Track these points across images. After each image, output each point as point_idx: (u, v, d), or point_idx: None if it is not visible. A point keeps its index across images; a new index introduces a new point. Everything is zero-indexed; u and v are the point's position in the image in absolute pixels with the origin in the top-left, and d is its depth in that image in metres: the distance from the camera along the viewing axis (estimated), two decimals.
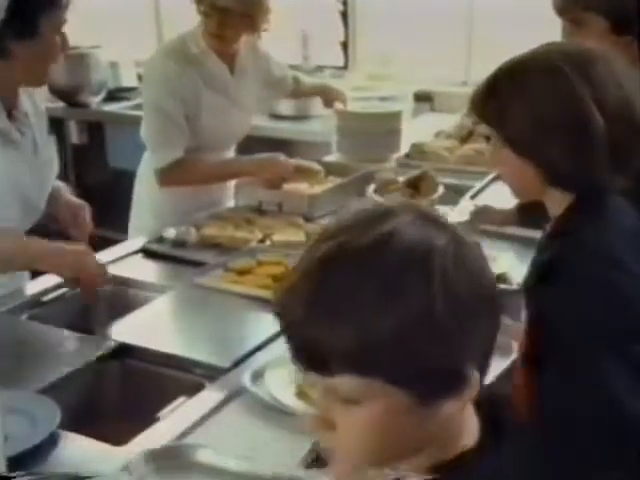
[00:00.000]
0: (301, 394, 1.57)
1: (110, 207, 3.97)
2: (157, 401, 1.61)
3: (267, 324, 1.85)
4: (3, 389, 1.46)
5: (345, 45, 4.51)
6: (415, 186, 2.66)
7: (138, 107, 4.69)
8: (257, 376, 1.63)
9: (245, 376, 1.62)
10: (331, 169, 3.01)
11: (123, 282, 2.20)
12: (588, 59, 1.33)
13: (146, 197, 2.85)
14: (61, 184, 2.27)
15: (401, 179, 2.76)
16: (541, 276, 1.35)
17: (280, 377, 1.61)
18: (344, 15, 4.44)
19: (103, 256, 2.32)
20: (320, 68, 4.47)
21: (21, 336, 1.88)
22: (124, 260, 2.31)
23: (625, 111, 1.31)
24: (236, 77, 2.74)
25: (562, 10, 1.91)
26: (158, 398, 1.63)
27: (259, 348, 1.77)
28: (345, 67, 4.52)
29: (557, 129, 1.30)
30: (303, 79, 3.26)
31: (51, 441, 1.44)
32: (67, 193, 2.25)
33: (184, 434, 1.49)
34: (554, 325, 1.29)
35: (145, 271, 2.24)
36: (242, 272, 2.15)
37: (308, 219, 2.60)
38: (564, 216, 1.38)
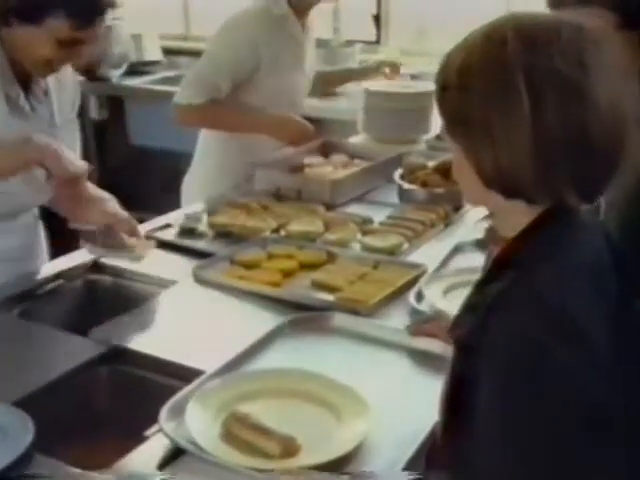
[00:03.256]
0: (227, 434, 1.32)
1: (131, 186, 3.83)
2: (150, 413, 1.44)
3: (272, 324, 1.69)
4: None
5: (377, 18, 4.30)
6: (446, 171, 2.45)
7: (162, 81, 4.54)
8: (175, 412, 1.37)
9: (162, 413, 1.35)
10: (356, 152, 2.82)
11: (122, 274, 2.04)
12: (550, 27, 1.02)
13: (200, 165, 2.89)
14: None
15: (431, 164, 2.56)
16: (475, 323, 1.06)
17: (202, 414, 1.36)
18: None
19: None
20: (351, 42, 4.26)
21: (6, 335, 1.72)
22: None
23: (577, 100, 0.99)
24: (305, 36, 2.80)
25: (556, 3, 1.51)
26: (151, 409, 1.45)
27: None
28: (377, 42, 4.33)
29: (483, 108, 1.02)
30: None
31: (20, 464, 1.27)
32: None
33: (174, 456, 1.32)
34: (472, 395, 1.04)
35: (147, 262, 2.05)
36: (250, 265, 1.97)
37: (330, 207, 2.41)
38: (514, 243, 1.09)
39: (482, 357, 1.04)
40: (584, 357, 1.00)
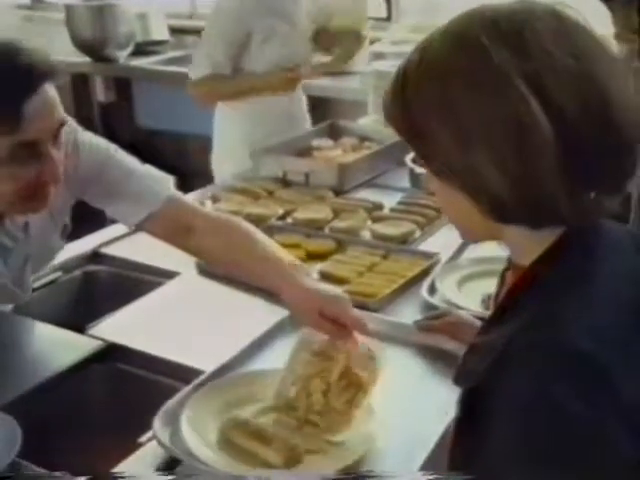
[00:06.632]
0: (225, 442, 1.24)
1: None
2: (146, 415, 1.36)
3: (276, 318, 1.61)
4: None
5: None
6: None
7: (169, 62, 4.44)
8: (170, 418, 1.29)
9: (156, 420, 1.28)
10: (366, 134, 2.72)
11: (124, 265, 1.96)
12: (525, 18, 0.86)
13: (222, 139, 2.92)
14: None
15: None
16: (487, 370, 0.88)
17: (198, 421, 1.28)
18: None
19: (107, 233, 2.09)
20: None
21: None
22: (126, 238, 2.05)
23: (589, 94, 0.85)
24: None
25: None
26: (147, 411, 1.37)
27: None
28: (388, 18, 4.19)
29: (473, 126, 0.85)
30: None
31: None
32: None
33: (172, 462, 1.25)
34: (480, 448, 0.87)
35: (150, 252, 1.96)
36: None
37: (338, 192, 2.32)
38: (531, 272, 0.91)
39: (495, 411, 0.86)
40: (619, 423, 0.82)
